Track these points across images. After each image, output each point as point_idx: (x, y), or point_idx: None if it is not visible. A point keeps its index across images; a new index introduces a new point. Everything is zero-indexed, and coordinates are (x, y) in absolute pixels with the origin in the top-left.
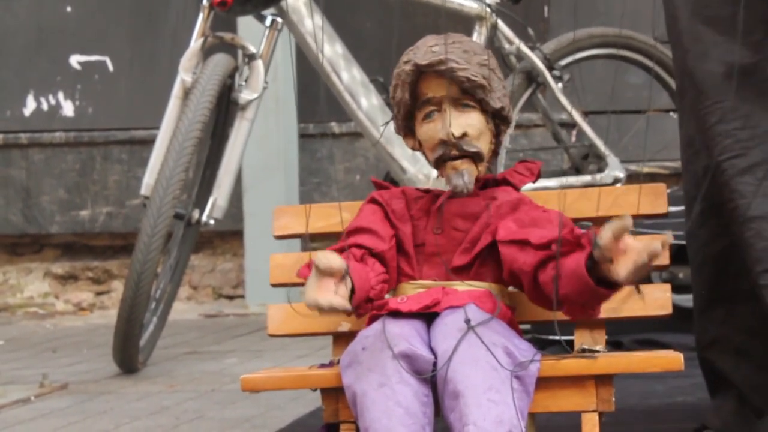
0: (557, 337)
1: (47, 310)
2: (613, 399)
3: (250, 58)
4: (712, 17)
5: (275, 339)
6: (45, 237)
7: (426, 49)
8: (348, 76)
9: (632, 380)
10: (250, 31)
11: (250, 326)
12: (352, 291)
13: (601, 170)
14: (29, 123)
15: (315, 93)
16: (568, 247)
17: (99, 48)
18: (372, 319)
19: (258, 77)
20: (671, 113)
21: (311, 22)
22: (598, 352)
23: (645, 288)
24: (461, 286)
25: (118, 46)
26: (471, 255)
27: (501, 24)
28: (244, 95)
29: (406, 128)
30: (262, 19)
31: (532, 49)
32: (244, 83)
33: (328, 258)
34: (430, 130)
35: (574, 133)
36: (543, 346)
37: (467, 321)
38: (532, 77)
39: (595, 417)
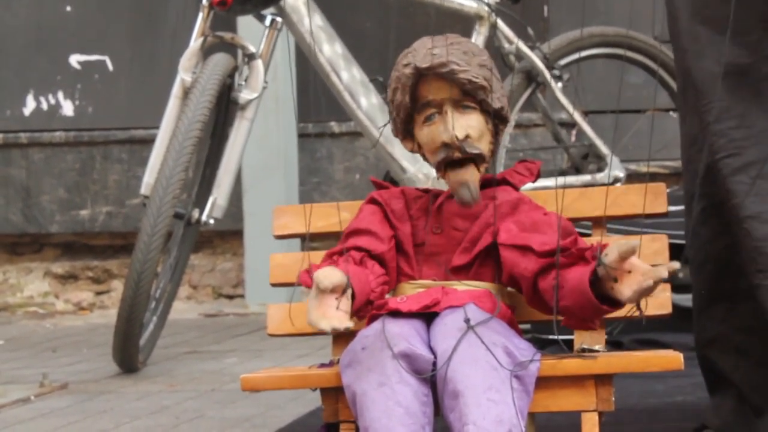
0: (557, 337)
1: (47, 309)
2: (613, 398)
3: (250, 57)
4: (711, 17)
5: (275, 338)
6: (45, 236)
7: (426, 52)
8: (348, 75)
9: (632, 380)
10: (249, 30)
11: (250, 326)
12: (353, 297)
13: (600, 170)
14: (29, 122)
15: (315, 92)
16: (572, 259)
17: (99, 47)
18: (372, 319)
19: (258, 77)
20: (671, 113)
21: (311, 22)
22: (597, 351)
23: None
24: (461, 286)
25: (117, 45)
26: (471, 255)
27: (500, 23)
28: (244, 95)
29: (405, 131)
30: (261, 18)
31: (532, 48)
32: (243, 83)
33: (329, 276)
34: (431, 132)
35: (573, 132)
36: (543, 345)
37: (467, 321)
38: (531, 77)
39: (595, 416)
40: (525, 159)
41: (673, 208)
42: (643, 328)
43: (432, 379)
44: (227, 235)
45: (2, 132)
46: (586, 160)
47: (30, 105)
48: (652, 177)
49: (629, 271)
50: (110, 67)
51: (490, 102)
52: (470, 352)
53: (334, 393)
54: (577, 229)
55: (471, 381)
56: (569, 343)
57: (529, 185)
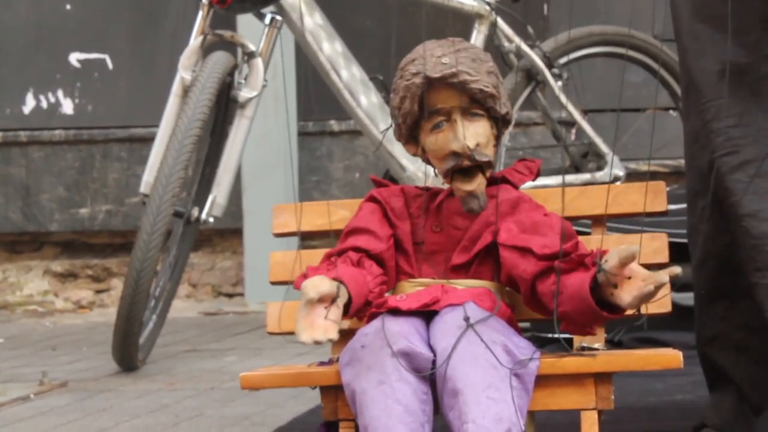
0: (556, 336)
1: (47, 308)
2: (613, 397)
3: (250, 56)
4: (711, 16)
5: (274, 337)
6: (44, 235)
7: (435, 61)
8: (347, 74)
9: (632, 378)
10: (249, 29)
11: (249, 324)
12: (349, 300)
13: (600, 168)
14: (29, 121)
15: (314, 91)
16: (571, 264)
17: (98, 46)
18: (371, 317)
19: (257, 75)
20: (671, 111)
21: (311, 20)
22: (597, 350)
23: None
24: (460, 285)
25: (117, 44)
26: (470, 253)
27: (500, 22)
28: (244, 93)
29: (409, 136)
30: (261, 17)
31: (532, 47)
32: (243, 81)
33: (316, 286)
34: (439, 140)
35: (573, 131)
36: (542, 344)
37: (466, 319)
38: (531, 75)
39: (595, 415)
40: (525, 158)
41: (673, 207)
42: (642, 327)
43: (431, 378)
44: (227, 234)
45: (2, 130)
46: (585, 158)
47: (30, 103)
48: (652, 175)
49: (629, 277)
50: (110, 65)
51: (498, 109)
52: (470, 351)
53: (333, 391)
54: (577, 228)
55: (470, 379)
56: (569, 342)
57: (529, 184)
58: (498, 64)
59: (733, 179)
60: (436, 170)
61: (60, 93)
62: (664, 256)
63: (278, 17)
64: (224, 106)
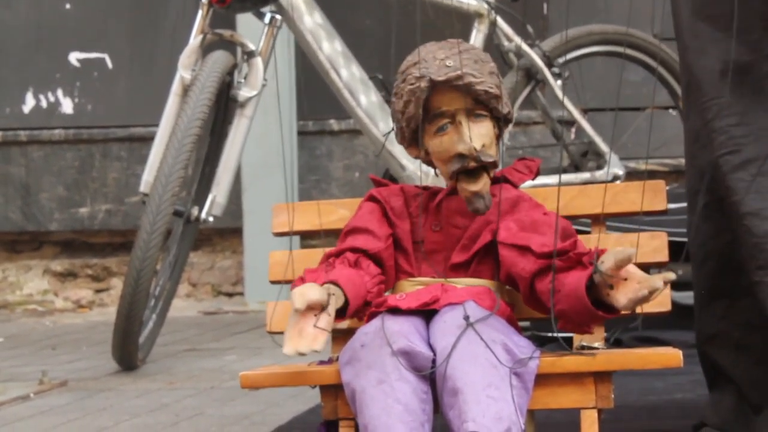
0: (556, 335)
1: (46, 307)
2: (612, 396)
3: (249, 55)
4: (712, 15)
5: (274, 336)
6: (44, 234)
7: (439, 63)
8: (347, 73)
9: (631, 377)
10: (249, 28)
11: (249, 323)
12: (346, 302)
13: (600, 167)
14: (28, 120)
15: (314, 90)
16: (569, 263)
17: (98, 45)
18: (371, 316)
19: (257, 74)
20: (671, 110)
21: (310, 19)
22: (597, 349)
23: None
24: (460, 283)
25: (117, 43)
26: (470, 252)
27: (500, 21)
28: (243, 92)
29: (412, 139)
30: (261, 16)
31: (532, 46)
32: (243, 80)
33: (304, 295)
34: (444, 142)
35: (573, 130)
36: (542, 343)
37: (466, 318)
38: (531, 74)
39: (594, 414)
40: (524, 157)
41: (672, 206)
42: (642, 326)
43: (431, 377)
44: (226, 233)
45: (1, 130)
46: (585, 157)
47: (29, 103)
48: (652, 174)
49: (625, 279)
50: (109, 64)
51: (500, 109)
52: (469, 350)
53: (333, 390)
54: (577, 227)
55: (470, 378)
56: (569, 341)
57: (529, 183)
58: (497, 64)
59: (735, 178)
60: (441, 172)
61: (60, 92)
62: (663, 255)
63: (278, 16)
64: (224, 105)
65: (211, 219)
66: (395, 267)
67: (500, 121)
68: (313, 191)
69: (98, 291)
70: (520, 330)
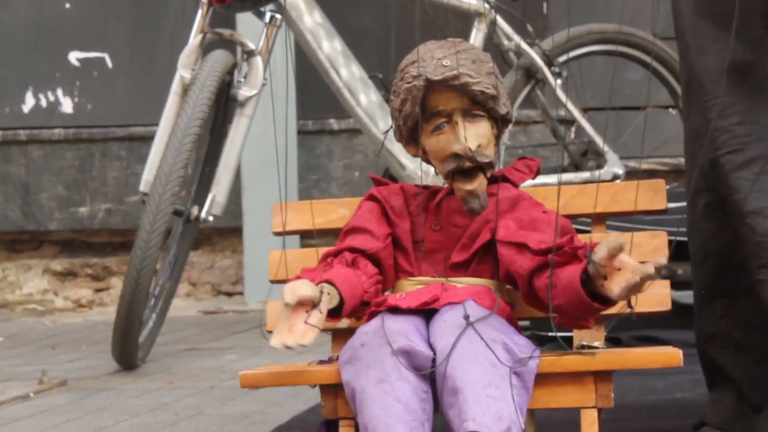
0: (556, 334)
1: (46, 306)
2: (612, 395)
3: (249, 54)
4: (714, 13)
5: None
6: (44, 234)
7: (436, 63)
8: (347, 72)
9: (631, 376)
10: (249, 27)
11: (249, 323)
12: (341, 301)
13: (600, 167)
14: (28, 120)
15: (314, 89)
16: (566, 257)
17: (98, 45)
18: (371, 316)
19: (257, 74)
20: (670, 110)
21: (310, 19)
22: (597, 348)
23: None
24: (460, 283)
25: (117, 42)
26: (470, 252)
27: (500, 20)
28: (243, 92)
29: (410, 137)
30: (260, 15)
31: (531, 45)
32: (242, 80)
33: (295, 291)
34: (440, 142)
35: (573, 129)
36: (542, 342)
37: (466, 317)
38: (531, 74)
39: (594, 413)
40: (524, 156)
41: (672, 205)
42: (642, 325)
43: (431, 376)
44: (226, 232)
45: (1, 129)
46: (585, 157)
47: (29, 102)
48: (652, 174)
49: (619, 269)
50: (109, 64)
51: (498, 109)
52: (469, 349)
53: (333, 390)
54: (577, 226)
55: (470, 378)
56: (568, 340)
57: (529, 182)
58: (497, 63)
59: (738, 177)
60: (438, 171)
61: (59, 92)
62: (663, 254)
63: (277, 16)
64: (224, 104)
65: (210, 218)
66: (395, 266)
67: (498, 121)
68: (313, 191)
69: (98, 290)
70: (520, 329)
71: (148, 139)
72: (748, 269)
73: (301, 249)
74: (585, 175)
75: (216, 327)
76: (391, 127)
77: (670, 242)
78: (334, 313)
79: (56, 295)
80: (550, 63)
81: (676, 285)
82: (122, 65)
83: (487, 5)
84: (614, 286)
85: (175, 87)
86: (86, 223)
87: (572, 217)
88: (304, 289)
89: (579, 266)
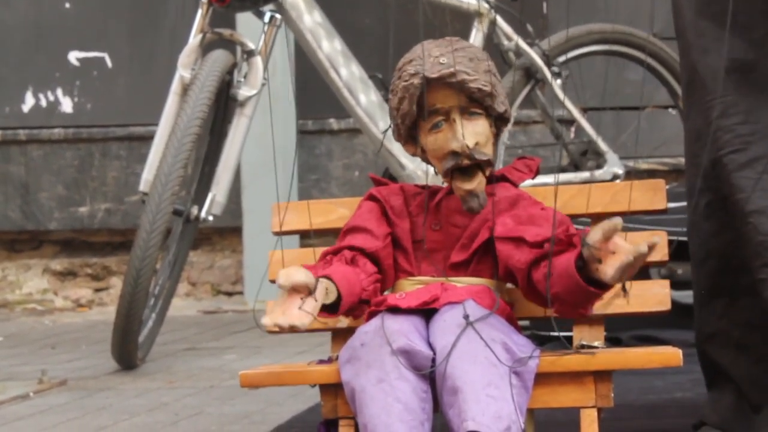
0: (556, 333)
1: (46, 306)
2: (612, 395)
3: (249, 54)
4: (716, 13)
5: (274, 335)
6: (44, 233)
7: (433, 60)
8: (347, 72)
9: (631, 376)
10: (248, 27)
11: (248, 322)
12: (339, 298)
13: (599, 167)
14: (28, 119)
15: (314, 89)
16: (562, 246)
17: (98, 44)
18: (371, 315)
19: (257, 74)
20: (670, 109)
21: (310, 18)
22: (596, 348)
23: (644, 284)
24: (460, 282)
25: (116, 42)
26: (469, 251)
27: (500, 20)
28: (243, 92)
29: (408, 136)
30: (260, 15)
31: (531, 45)
32: (242, 80)
33: (290, 276)
34: (438, 140)
35: (572, 129)
36: (542, 342)
37: (466, 317)
38: (530, 74)
39: (594, 413)
40: (524, 156)
41: (672, 205)
42: (642, 325)
43: (431, 376)
44: (226, 232)
45: (1, 129)
46: (585, 156)
47: (29, 102)
48: (651, 173)
49: (613, 252)
50: (109, 64)
51: (495, 107)
52: (469, 349)
53: (333, 389)
54: (577, 226)
55: (470, 377)
56: (568, 340)
57: (529, 182)
58: (497, 63)
59: (741, 176)
60: (437, 169)
61: (59, 91)
62: (663, 254)
63: (277, 15)
64: (223, 104)
65: (210, 218)
66: (395, 266)
67: (496, 119)
68: (313, 190)
69: (98, 290)
70: (520, 329)
71: (147, 139)
72: (750, 269)
73: (301, 249)
74: (584, 174)
75: (215, 327)
76: (390, 126)
77: (670, 242)
78: (331, 309)
79: (56, 294)
80: (549, 63)
81: (676, 285)
82: (122, 65)
83: (486, 5)
84: (608, 268)
85: (175, 87)
86: (86, 222)
87: (572, 217)
88: (299, 275)
89: (574, 252)
